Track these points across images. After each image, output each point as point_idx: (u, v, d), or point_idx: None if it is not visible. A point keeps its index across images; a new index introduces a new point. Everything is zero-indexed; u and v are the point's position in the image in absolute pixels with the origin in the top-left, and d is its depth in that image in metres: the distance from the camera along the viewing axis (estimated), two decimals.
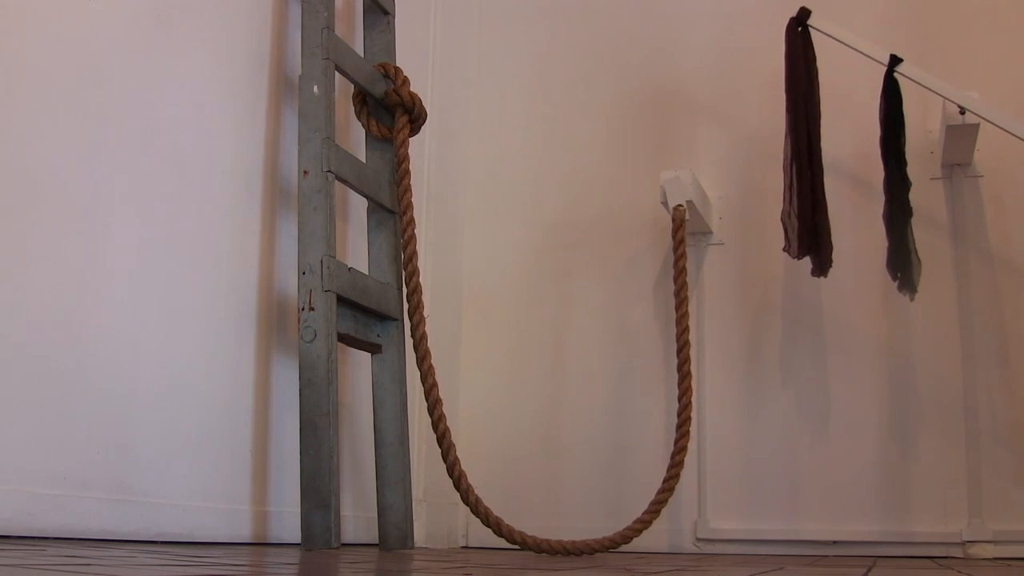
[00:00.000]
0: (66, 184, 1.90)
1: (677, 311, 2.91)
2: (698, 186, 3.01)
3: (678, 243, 2.92)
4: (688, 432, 2.83)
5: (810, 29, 2.86)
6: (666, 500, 2.79)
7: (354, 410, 2.75)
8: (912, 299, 2.76)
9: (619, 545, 2.68)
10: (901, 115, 2.79)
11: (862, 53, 2.80)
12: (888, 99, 2.78)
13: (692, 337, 3.00)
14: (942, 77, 2.82)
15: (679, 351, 2.89)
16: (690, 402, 2.86)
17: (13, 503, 1.73)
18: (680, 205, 2.92)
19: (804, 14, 2.86)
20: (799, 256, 2.80)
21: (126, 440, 2.00)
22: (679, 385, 2.87)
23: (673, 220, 2.94)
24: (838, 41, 2.82)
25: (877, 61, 2.78)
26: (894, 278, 2.75)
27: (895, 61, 2.76)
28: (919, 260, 2.75)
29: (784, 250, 2.84)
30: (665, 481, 2.80)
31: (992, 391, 2.85)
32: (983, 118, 2.67)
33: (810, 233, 2.77)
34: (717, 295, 3.14)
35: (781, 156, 2.89)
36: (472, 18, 3.53)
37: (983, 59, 3.02)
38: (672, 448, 2.84)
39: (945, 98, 2.72)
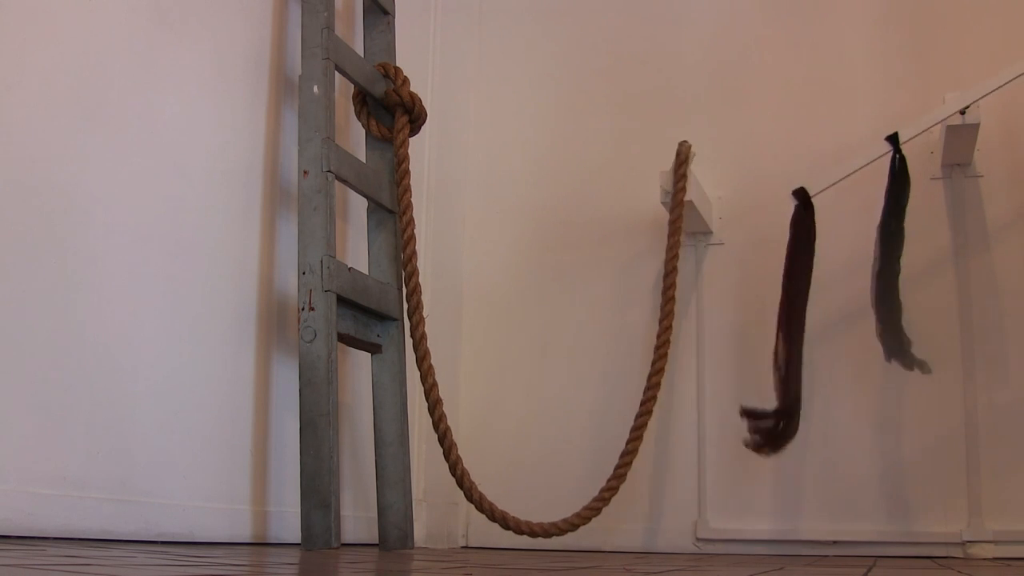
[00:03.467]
0: (66, 184, 1.90)
1: (665, 281, 2.90)
2: (698, 186, 3.01)
3: (679, 178, 2.89)
4: (651, 411, 2.83)
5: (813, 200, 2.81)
6: (617, 487, 2.78)
7: (354, 410, 2.75)
8: (929, 372, 2.73)
9: (598, 511, 2.73)
10: (906, 194, 2.74)
11: (866, 166, 2.77)
12: (894, 174, 2.75)
13: (692, 337, 3.01)
14: (941, 76, 2.82)
15: (661, 320, 2.89)
16: (659, 383, 2.85)
17: (13, 503, 1.73)
18: (685, 141, 2.91)
19: (804, 196, 2.79)
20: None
21: (126, 440, 2.00)
22: (652, 365, 2.86)
23: (678, 155, 2.91)
24: (845, 178, 2.80)
25: (881, 156, 2.76)
26: (890, 359, 2.73)
27: (895, 142, 2.75)
28: (910, 353, 2.73)
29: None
30: (616, 468, 2.81)
31: (992, 391, 2.85)
32: (989, 93, 2.65)
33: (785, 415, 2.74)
34: (717, 295, 3.14)
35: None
36: (472, 18, 3.53)
37: (983, 59, 3.01)
38: (627, 440, 2.82)
39: (947, 117, 2.71)
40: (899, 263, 2.73)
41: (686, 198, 2.91)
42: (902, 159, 2.76)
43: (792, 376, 2.71)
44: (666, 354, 2.87)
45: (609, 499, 2.75)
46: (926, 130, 2.79)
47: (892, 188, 2.76)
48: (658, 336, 2.89)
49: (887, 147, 2.76)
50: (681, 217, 2.92)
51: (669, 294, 2.90)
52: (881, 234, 2.75)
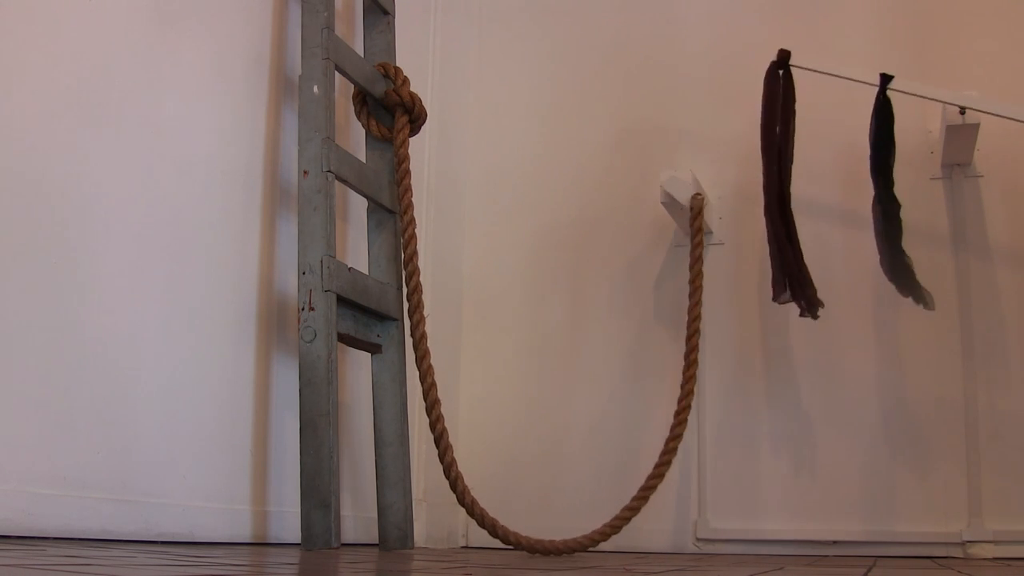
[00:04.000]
0: (66, 184, 1.90)
1: (691, 299, 2.94)
2: (698, 186, 3.01)
3: (695, 232, 2.95)
4: (685, 420, 2.83)
5: (792, 70, 2.82)
6: (655, 486, 2.77)
7: (354, 410, 2.75)
8: (932, 309, 2.73)
9: (608, 536, 2.69)
10: (892, 134, 2.76)
11: (851, 80, 2.79)
12: (880, 119, 2.77)
13: None
14: (941, 76, 2.81)
15: (688, 338, 2.90)
16: (692, 390, 2.85)
17: (13, 503, 1.73)
18: (698, 193, 2.98)
19: (784, 56, 2.82)
20: (777, 298, 2.79)
21: (126, 440, 2.00)
22: (684, 373, 2.87)
23: (692, 209, 2.96)
24: (825, 74, 2.81)
25: (868, 83, 2.77)
26: (904, 294, 2.73)
27: (886, 80, 2.75)
28: (915, 278, 2.73)
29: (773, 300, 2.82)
30: (656, 467, 2.78)
31: (992, 391, 2.85)
32: (985, 112, 2.66)
33: (789, 277, 2.76)
34: (717, 295, 3.14)
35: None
36: (472, 18, 3.53)
37: (982, 58, 3.02)
38: (668, 435, 2.82)
39: (944, 103, 2.71)
40: (893, 194, 2.74)
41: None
42: (886, 99, 2.76)
43: (785, 251, 2.74)
44: (692, 391, 2.87)
45: (620, 527, 2.73)
46: (920, 96, 2.79)
47: (874, 123, 2.77)
48: (682, 386, 2.88)
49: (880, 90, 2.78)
50: (701, 275, 2.97)
51: (692, 357, 2.89)
52: (872, 168, 2.76)
